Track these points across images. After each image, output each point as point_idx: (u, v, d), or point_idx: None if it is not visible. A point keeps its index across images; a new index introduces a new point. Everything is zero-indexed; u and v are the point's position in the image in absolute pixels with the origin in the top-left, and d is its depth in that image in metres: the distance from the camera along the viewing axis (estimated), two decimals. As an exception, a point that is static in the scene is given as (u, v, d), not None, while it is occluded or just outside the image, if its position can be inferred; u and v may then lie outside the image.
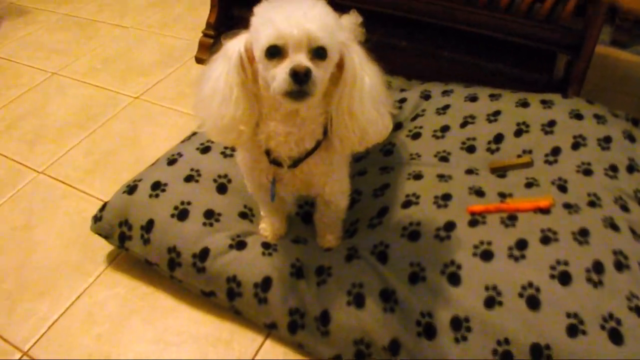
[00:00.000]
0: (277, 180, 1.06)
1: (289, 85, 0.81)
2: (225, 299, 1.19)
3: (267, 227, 1.26)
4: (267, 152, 1.00)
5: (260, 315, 1.16)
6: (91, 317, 1.27)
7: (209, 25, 2.15)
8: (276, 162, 1.01)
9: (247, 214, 1.32)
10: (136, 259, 1.33)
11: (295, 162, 1.00)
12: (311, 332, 1.11)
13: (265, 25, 0.83)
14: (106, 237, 1.35)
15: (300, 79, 0.80)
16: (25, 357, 1.20)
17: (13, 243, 1.47)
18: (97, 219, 1.35)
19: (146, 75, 2.16)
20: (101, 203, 1.39)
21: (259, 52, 0.85)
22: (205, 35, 2.17)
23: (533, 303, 1.00)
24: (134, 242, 1.29)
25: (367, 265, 1.14)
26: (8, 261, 1.42)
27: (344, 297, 1.10)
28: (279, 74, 0.82)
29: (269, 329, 1.18)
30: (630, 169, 1.29)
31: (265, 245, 1.22)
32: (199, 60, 2.18)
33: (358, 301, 1.08)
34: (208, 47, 2.15)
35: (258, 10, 0.87)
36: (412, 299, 1.06)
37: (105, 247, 1.41)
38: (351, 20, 1.34)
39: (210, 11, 2.14)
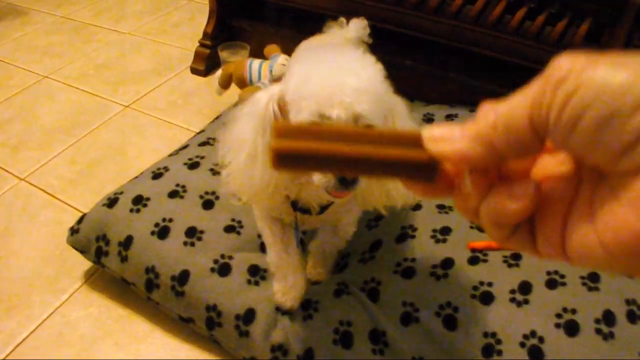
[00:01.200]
0: (299, 224, 0.99)
1: (334, 185, 0.72)
2: (204, 328, 1.11)
3: (282, 287, 1.05)
4: (294, 202, 0.93)
5: (240, 349, 1.08)
6: (62, 337, 1.19)
7: (206, 35, 2.08)
8: (303, 210, 0.94)
9: (234, 227, 1.23)
10: (113, 278, 1.26)
11: (322, 209, 0.94)
12: (293, 371, 1.03)
13: (306, 99, 0.71)
14: (82, 251, 1.27)
15: (348, 183, 0.71)
16: (-13, 378, 1.12)
17: (-13, 252, 1.39)
18: (74, 231, 1.27)
19: (139, 84, 2.09)
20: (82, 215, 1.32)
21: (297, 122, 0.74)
22: (201, 45, 2.10)
23: (536, 354, 0.92)
24: (110, 259, 1.22)
25: (356, 302, 1.06)
26: (-21, 271, 1.34)
27: (330, 335, 1.02)
28: None
29: (248, 364, 1.11)
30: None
31: (252, 273, 1.14)
32: (194, 71, 2.12)
33: (345, 341, 1.01)
34: (204, 58, 2.09)
35: (295, 68, 0.76)
36: (404, 342, 0.99)
37: (82, 263, 1.33)
38: (359, 25, 1.31)
39: (208, 21, 2.08)
